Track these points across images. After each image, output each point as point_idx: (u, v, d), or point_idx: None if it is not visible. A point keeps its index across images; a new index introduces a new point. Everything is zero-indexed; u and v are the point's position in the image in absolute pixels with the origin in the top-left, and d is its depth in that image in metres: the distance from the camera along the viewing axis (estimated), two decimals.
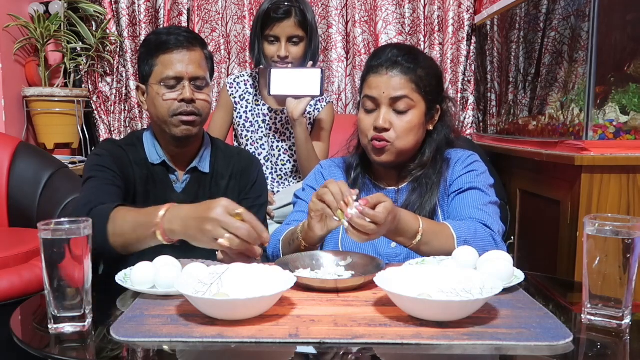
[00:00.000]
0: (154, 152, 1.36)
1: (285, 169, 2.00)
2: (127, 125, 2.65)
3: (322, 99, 1.97)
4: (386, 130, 1.25)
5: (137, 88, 1.38)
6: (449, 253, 1.13)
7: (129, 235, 1.08)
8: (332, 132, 2.00)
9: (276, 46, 1.87)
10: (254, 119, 1.99)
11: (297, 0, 1.86)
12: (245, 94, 2.00)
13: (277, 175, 2.00)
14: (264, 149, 1.99)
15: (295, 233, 1.20)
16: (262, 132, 1.99)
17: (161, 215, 1.04)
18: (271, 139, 1.99)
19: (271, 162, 2.00)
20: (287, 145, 1.99)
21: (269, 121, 1.98)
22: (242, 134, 2.00)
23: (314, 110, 1.97)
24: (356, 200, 1.06)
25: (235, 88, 2.01)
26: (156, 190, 1.35)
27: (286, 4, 1.84)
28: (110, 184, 1.25)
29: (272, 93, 1.82)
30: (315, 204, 1.09)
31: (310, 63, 1.90)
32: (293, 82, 1.80)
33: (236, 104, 2.00)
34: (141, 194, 1.34)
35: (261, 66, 1.96)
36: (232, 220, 0.98)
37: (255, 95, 2.00)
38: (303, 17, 1.85)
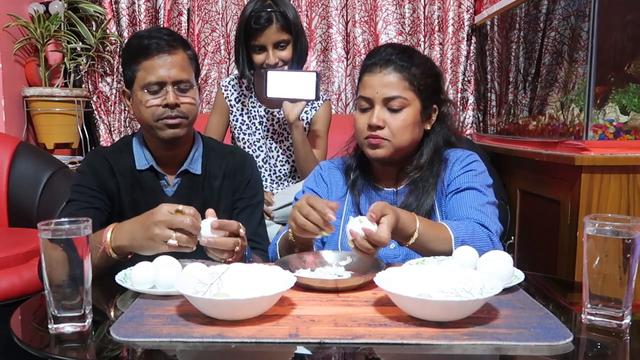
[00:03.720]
0: (142, 158, 1.35)
1: (283, 169, 1.99)
2: (127, 125, 2.66)
3: (320, 96, 1.96)
4: (380, 128, 1.25)
5: (123, 92, 1.37)
6: (446, 253, 1.13)
7: None
8: (332, 133, 2.00)
9: (263, 55, 1.85)
10: (250, 121, 1.99)
11: (276, 4, 1.82)
12: (240, 96, 2.00)
13: (276, 177, 2.00)
14: (262, 151, 1.99)
15: (288, 239, 1.21)
16: (259, 134, 1.98)
17: (108, 237, 1.10)
18: (269, 140, 1.98)
19: (269, 163, 1.99)
20: (284, 146, 1.98)
21: (265, 123, 1.98)
22: (239, 137, 2.00)
23: (311, 109, 1.96)
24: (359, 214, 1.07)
25: (230, 91, 2.00)
26: (145, 197, 1.33)
27: (267, 10, 1.80)
28: (88, 207, 1.28)
29: (268, 95, 1.81)
30: (297, 218, 1.09)
31: (306, 66, 1.88)
32: (289, 85, 1.79)
33: (232, 107, 1.99)
34: (128, 203, 1.33)
35: (244, 79, 1.96)
36: (177, 217, 1.03)
37: (251, 97, 2.00)
38: (285, 20, 1.82)
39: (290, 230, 1.19)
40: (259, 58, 1.86)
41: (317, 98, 1.80)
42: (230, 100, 1.99)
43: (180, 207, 1.04)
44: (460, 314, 0.83)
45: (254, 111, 1.99)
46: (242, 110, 1.99)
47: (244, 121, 1.99)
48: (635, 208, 1.51)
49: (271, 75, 1.79)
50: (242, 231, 1.09)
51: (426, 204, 1.26)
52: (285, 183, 2.01)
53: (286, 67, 1.86)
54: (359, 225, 1.03)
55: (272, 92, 1.80)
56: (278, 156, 1.99)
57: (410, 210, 1.23)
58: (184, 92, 1.30)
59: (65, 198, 1.93)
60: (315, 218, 1.06)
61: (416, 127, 1.28)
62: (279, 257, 1.26)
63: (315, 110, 1.96)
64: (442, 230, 1.15)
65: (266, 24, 1.81)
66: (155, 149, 1.35)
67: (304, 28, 2.53)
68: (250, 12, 1.82)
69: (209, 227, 1.05)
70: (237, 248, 1.08)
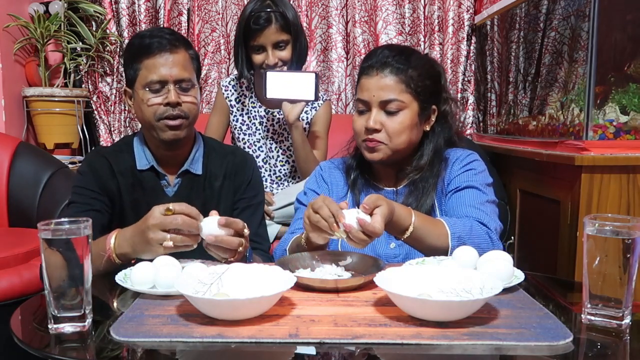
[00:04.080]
0: (142, 157, 1.35)
1: (283, 170, 1.99)
2: (127, 125, 2.66)
3: (320, 97, 1.96)
4: (377, 131, 1.25)
5: (125, 92, 1.37)
6: (443, 248, 1.13)
7: None
8: (332, 133, 2.00)
9: (263, 55, 1.85)
10: (250, 121, 1.99)
11: (275, 4, 1.82)
12: (240, 96, 2.00)
13: (276, 177, 2.00)
14: (262, 151, 1.99)
15: (300, 244, 1.20)
16: (259, 134, 1.98)
17: (112, 242, 1.10)
18: (269, 141, 1.98)
19: (269, 164, 1.99)
20: (284, 146, 1.98)
21: (265, 123, 1.98)
22: (239, 137, 2.00)
23: (311, 110, 1.96)
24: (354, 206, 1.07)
25: (230, 91, 2.00)
26: (146, 197, 1.33)
27: (267, 10, 1.80)
28: (89, 209, 1.28)
29: (268, 96, 1.81)
30: (311, 215, 1.08)
31: (306, 67, 1.88)
32: (288, 85, 1.78)
33: (232, 107, 1.99)
34: (129, 203, 1.34)
35: (243, 79, 1.96)
36: (167, 219, 1.03)
37: (251, 97, 2.00)
38: (285, 21, 1.82)
39: (303, 235, 1.18)
40: (258, 58, 1.86)
41: (317, 98, 1.80)
42: (230, 101, 1.99)
43: (170, 205, 1.04)
44: (460, 314, 0.83)
45: (254, 111, 1.99)
46: (242, 110, 1.99)
47: (244, 121, 1.99)
48: (635, 208, 1.51)
49: (270, 76, 1.79)
50: (246, 231, 1.09)
51: (426, 204, 1.26)
52: (285, 183, 2.01)
53: (285, 68, 1.86)
54: (354, 215, 1.03)
55: (271, 92, 1.80)
56: (278, 156, 1.99)
57: None
58: (185, 91, 1.30)
59: (65, 198, 1.95)
60: (326, 213, 1.04)
61: (414, 129, 1.27)
62: None
63: (315, 110, 1.96)
64: (439, 225, 1.15)
65: (265, 24, 1.81)
66: (156, 148, 1.35)
67: (304, 28, 2.53)
68: (250, 12, 1.82)
69: (213, 224, 1.05)
70: (240, 248, 1.08)
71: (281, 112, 1.92)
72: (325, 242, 1.14)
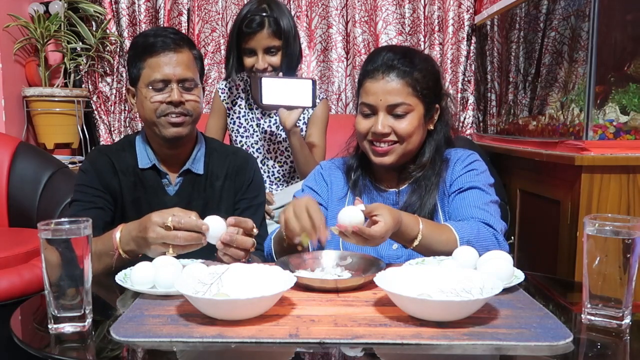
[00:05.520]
0: (144, 156, 1.35)
1: (282, 171, 1.99)
2: (127, 125, 2.66)
3: (316, 103, 1.95)
4: (386, 135, 1.25)
5: (128, 91, 1.38)
6: (451, 254, 1.13)
7: (96, 267, 1.09)
8: (332, 133, 2.00)
9: (254, 58, 1.84)
10: (247, 123, 1.98)
11: (270, 8, 1.81)
12: (237, 99, 1.99)
13: (275, 178, 2.00)
14: (260, 153, 1.99)
15: (282, 231, 1.20)
16: (257, 136, 1.98)
17: (117, 238, 1.10)
18: (266, 142, 1.98)
19: (267, 165, 1.99)
20: (282, 147, 1.98)
21: (263, 124, 1.97)
22: (236, 139, 1.99)
23: (308, 108, 1.95)
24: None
25: (227, 93, 2.00)
26: (147, 195, 1.34)
27: (262, 14, 1.79)
28: (92, 207, 1.28)
29: (263, 102, 1.78)
30: (289, 220, 1.08)
31: (306, 69, 1.87)
32: (284, 92, 1.76)
33: (229, 110, 1.99)
34: (130, 202, 1.34)
35: (239, 82, 1.95)
36: (169, 235, 1.02)
37: (248, 99, 1.99)
38: (277, 27, 1.80)
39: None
40: (249, 61, 1.86)
41: (314, 105, 1.77)
42: (227, 103, 1.99)
43: (169, 220, 1.02)
44: (460, 314, 0.83)
45: (251, 113, 1.98)
46: (240, 112, 1.99)
47: (241, 124, 1.99)
48: (635, 208, 1.51)
49: (266, 82, 1.76)
50: (255, 231, 1.10)
51: (429, 203, 1.26)
52: (284, 184, 2.01)
53: (281, 74, 1.84)
54: (352, 216, 1.03)
55: (267, 99, 1.77)
56: (276, 157, 1.99)
57: (413, 210, 1.24)
58: (188, 90, 1.30)
59: (65, 198, 1.95)
60: (304, 224, 1.06)
61: (421, 129, 1.28)
62: (273, 253, 1.26)
63: (312, 109, 1.95)
64: (447, 231, 1.15)
65: (258, 28, 1.80)
66: (158, 147, 1.35)
67: (304, 28, 2.53)
68: (245, 14, 1.82)
69: (221, 227, 1.04)
70: (252, 249, 1.08)
71: (277, 114, 1.91)
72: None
